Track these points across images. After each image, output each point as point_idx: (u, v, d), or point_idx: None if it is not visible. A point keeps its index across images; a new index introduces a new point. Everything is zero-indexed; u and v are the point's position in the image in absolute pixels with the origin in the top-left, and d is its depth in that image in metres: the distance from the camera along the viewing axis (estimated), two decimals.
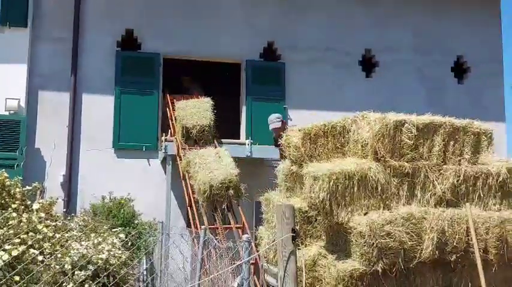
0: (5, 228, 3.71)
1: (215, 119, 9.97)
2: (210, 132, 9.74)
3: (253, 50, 11.39)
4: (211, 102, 10.20)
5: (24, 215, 3.92)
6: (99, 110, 10.53)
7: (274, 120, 8.65)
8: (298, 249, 4.91)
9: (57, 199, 6.22)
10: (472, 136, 5.29)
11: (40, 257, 3.80)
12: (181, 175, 9.41)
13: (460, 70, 12.41)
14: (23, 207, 4.28)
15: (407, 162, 5.01)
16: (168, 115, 10.78)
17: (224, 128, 10.59)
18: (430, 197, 5.02)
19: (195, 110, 9.95)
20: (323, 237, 5.46)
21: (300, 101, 11.30)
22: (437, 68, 12.18)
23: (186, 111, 9.92)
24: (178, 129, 9.97)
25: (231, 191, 7.83)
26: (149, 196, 10.10)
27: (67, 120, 10.32)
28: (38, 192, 7.30)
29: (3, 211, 3.96)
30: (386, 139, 4.95)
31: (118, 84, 10.66)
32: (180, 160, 9.54)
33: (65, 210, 9.53)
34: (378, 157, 4.98)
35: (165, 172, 10.26)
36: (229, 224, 7.98)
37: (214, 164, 8.16)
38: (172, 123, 10.47)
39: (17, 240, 3.62)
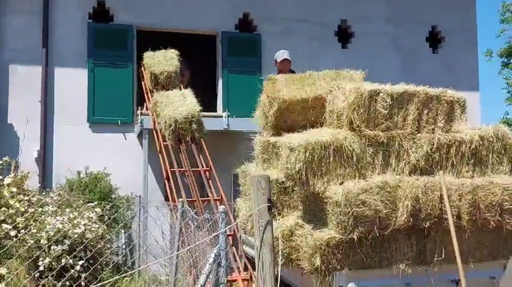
0: None
1: (193, 90, 9.92)
2: (177, 79, 10.01)
3: (228, 22, 11.26)
4: (177, 53, 10.33)
5: None
6: (73, 83, 10.34)
7: (284, 54, 7.99)
8: (275, 220, 4.95)
9: (28, 173, 6.14)
10: (446, 105, 5.32)
11: (13, 232, 3.75)
12: (158, 149, 9.36)
13: (434, 40, 12.48)
14: None
15: (382, 131, 5.03)
16: (143, 88, 10.64)
17: (200, 101, 10.50)
18: (405, 165, 5.06)
19: (162, 58, 10.15)
20: (300, 207, 5.50)
21: (276, 72, 11.21)
22: (412, 38, 12.23)
23: (154, 60, 10.15)
24: (147, 76, 10.13)
25: (194, 126, 8.67)
26: (126, 170, 10.04)
27: (40, 94, 10.12)
28: (12, 167, 7.20)
29: None
30: (361, 109, 4.95)
31: (91, 57, 10.46)
32: (156, 133, 9.47)
33: (40, 185, 9.42)
34: (353, 126, 4.99)
35: (142, 146, 10.18)
36: (194, 157, 8.71)
37: (179, 103, 8.91)
38: (146, 91, 10.39)
39: None
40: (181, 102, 8.97)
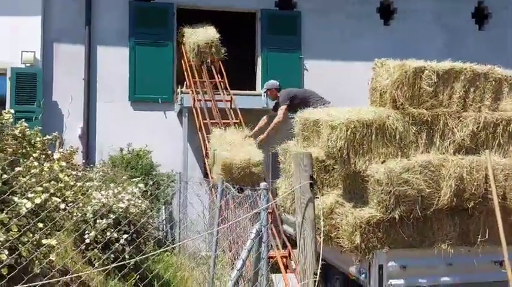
0: (27, 177, 3.78)
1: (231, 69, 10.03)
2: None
3: None
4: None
5: (46, 164, 3.99)
6: (114, 62, 10.49)
7: (264, 86, 9.21)
8: (316, 198, 4.95)
9: (78, 148, 6.29)
10: (493, 83, 5.18)
11: (62, 205, 3.88)
12: (198, 127, 9.44)
13: (480, 16, 12.06)
14: (43, 156, 4.35)
15: (426, 109, 4.94)
16: (183, 66, 10.70)
17: (240, 79, 10.52)
18: (449, 144, 4.97)
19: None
20: (340, 186, 5.48)
21: (316, 51, 11.13)
22: (457, 14, 11.86)
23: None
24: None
25: (213, 49, 10.24)
26: (166, 148, 10.18)
27: (83, 73, 10.33)
28: (57, 143, 7.40)
29: (25, 160, 4.02)
30: (405, 87, 4.88)
31: (132, 36, 10.58)
32: (196, 111, 9.56)
33: (84, 161, 9.67)
34: (397, 104, 4.92)
35: (182, 124, 10.30)
36: (213, 75, 10.22)
37: (202, 33, 10.50)
38: (186, 69, 10.50)
39: (40, 188, 3.69)
40: (203, 34, 10.44)
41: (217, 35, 10.34)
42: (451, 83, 5.01)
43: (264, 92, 9.08)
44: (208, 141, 8.77)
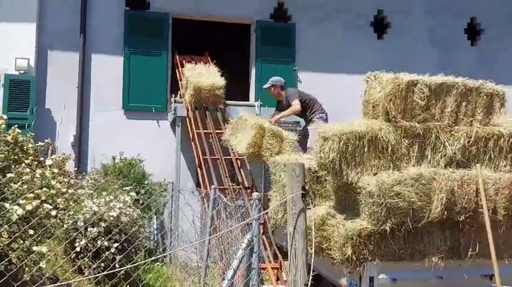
0: (18, 183, 3.76)
1: (225, 80, 9.98)
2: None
3: (263, 11, 11.24)
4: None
5: (38, 171, 3.97)
6: (109, 70, 10.49)
7: (270, 80, 8.69)
8: (308, 209, 4.96)
9: (70, 155, 6.27)
10: (485, 97, 5.23)
11: (54, 212, 3.86)
12: (191, 136, 9.45)
13: (473, 32, 12.20)
14: (36, 163, 4.34)
15: (418, 123, 4.98)
16: (178, 76, 10.74)
17: (233, 89, 10.54)
18: (441, 158, 5.01)
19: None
20: (332, 197, 5.50)
21: (310, 63, 11.20)
22: (449, 29, 11.99)
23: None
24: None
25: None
26: (159, 157, 10.16)
27: (77, 80, 10.31)
28: (49, 151, 7.38)
29: (17, 166, 4.01)
30: (398, 99, 4.91)
31: (127, 44, 10.60)
32: (190, 121, 9.57)
33: (76, 169, 9.63)
34: (389, 117, 4.95)
35: (175, 134, 10.29)
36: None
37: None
38: (180, 79, 10.47)
39: (31, 195, 3.67)
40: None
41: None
42: (443, 97, 5.06)
43: (267, 88, 8.59)
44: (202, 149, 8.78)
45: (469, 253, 4.94)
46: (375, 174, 4.84)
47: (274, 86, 8.55)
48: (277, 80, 8.59)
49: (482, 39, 12.15)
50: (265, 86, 8.71)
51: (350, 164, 4.86)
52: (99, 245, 5.37)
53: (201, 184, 8.75)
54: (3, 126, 4.39)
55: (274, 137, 7.26)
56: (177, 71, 10.84)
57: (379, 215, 4.66)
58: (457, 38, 12.06)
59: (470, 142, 5.08)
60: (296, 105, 8.08)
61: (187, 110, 9.78)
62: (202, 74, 10.04)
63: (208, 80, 9.83)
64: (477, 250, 4.94)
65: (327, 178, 5.47)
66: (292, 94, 8.36)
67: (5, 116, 4.59)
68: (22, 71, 9.86)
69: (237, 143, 7.68)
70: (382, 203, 4.64)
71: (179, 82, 10.63)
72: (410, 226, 4.74)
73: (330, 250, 5.02)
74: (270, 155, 6.98)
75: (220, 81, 9.88)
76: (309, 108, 8.23)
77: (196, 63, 10.70)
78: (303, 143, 7.79)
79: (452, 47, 11.93)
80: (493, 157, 5.14)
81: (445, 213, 4.78)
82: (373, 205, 4.67)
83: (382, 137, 4.87)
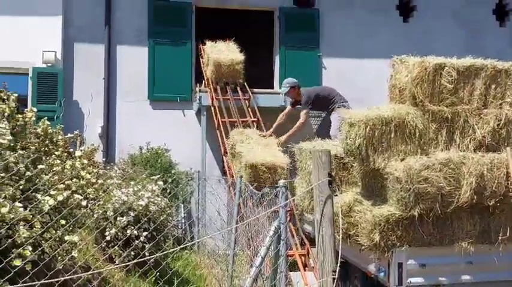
0: (50, 174, 3.84)
1: (249, 68, 9.98)
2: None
3: None
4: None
5: (68, 162, 4.05)
6: (134, 61, 10.58)
7: (283, 85, 8.78)
8: (335, 195, 4.95)
9: (99, 146, 6.36)
10: None
11: (84, 203, 3.94)
12: (216, 125, 9.48)
13: (501, 12, 11.89)
14: (65, 154, 4.42)
15: (446, 107, 4.90)
16: (201, 65, 10.76)
17: (258, 77, 10.52)
18: (470, 142, 4.93)
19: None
20: (359, 183, 5.47)
21: (334, 48, 11.09)
22: (477, 10, 11.70)
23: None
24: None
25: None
26: (185, 147, 10.23)
27: (103, 72, 10.43)
28: (78, 143, 7.50)
29: (48, 158, 4.09)
30: (425, 83, 4.84)
31: (151, 35, 10.65)
32: (215, 110, 9.60)
33: (104, 159, 9.77)
34: (417, 101, 4.88)
35: (200, 123, 10.35)
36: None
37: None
38: (205, 68, 10.52)
39: (62, 186, 3.75)
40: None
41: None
42: (471, 79, 4.96)
43: (286, 92, 8.66)
44: (227, 138, 8.80)
45: (500, 237, 4.87)
46: (402, 159, 4.79)
47: (292, 88, 8.60)
48: (293, 82, 8.68)
49: None
50: (283, 91, 8.78)
51: (377, 149, 4.82)
52: (128, 234, 5.45)
53: (227, 172, 8.78)
54: (33, 118, 4.48)
55: (268, 170, 7.26)
56: (201, 60, 10.86)
57: (407, 200, 4.62)
58: (485, 19, 11.77)
59: (500, 125, 4.98)
60: (302, 120, 8.26)
61: (212, 99, 9.81)
62: (223, 51, 10.24)
63: (228, 56, 10.06)
64: (508, 235, 4.87)
65: (353, 164, 5.44)
66: (303, 103, 8.41)
67: (35, 109, 4.67)
68: (49, 64, 10.01)
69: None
70: (410, 188, 4.59)
71: (203, 69, 10.65)
72: (439, 211, 4.69)
73: (358, 236, 5.00)
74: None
75: (239, 56, 10.09)
76: (329, 101, 8.22)
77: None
78: (323, 134, 7.76)
79: (480, 28, 11.65)
80: None
81: (475, 198, 4.71)
82: (401, 191, 4.63)
83: (409, 121, 4.82)
